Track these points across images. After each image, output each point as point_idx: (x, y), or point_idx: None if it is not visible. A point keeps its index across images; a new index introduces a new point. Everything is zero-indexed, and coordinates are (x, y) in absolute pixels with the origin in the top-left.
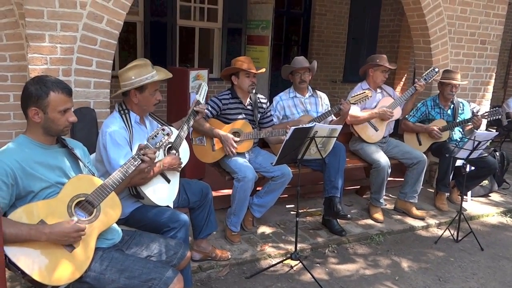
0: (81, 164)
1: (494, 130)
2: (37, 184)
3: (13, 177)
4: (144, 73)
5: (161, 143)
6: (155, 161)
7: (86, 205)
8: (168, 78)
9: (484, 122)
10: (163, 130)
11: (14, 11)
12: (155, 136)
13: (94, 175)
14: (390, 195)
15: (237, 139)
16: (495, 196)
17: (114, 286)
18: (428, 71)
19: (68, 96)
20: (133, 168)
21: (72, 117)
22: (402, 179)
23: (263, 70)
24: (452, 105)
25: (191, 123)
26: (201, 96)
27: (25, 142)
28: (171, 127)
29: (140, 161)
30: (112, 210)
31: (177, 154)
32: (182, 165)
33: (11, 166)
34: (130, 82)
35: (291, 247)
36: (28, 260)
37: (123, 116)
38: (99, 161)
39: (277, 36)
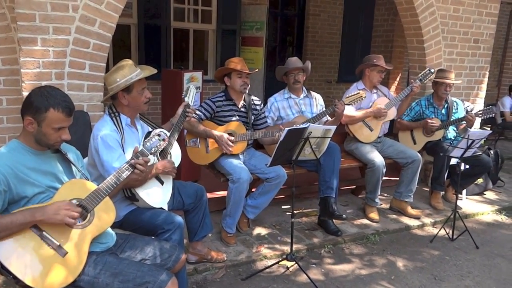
0: (74, 168)
1: (488, 129)
2: (30, 189)
3: (6, 182)
4: (129, 73)
5: (156, 148)
6: (149, 164)
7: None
8: (156, 74)
9: (478, 120)
10: (159, 135)
11: (5, 14)
12: (151, 141)
13: (87, 180)
14: (386, 194)
15: (232, 138)
16: (489, 194)
17: None
18: (423, 72)
19: (67, 116)
20: (128, 173)
21: (65, 135)
22: (397, 179)
23: (256, 70)
24: (446, 104)
25: (181, 126)
26: (189, 98)
27: (18, 147)
28: (165, 131)
29: (132, 170)
30: (106, 214)
31: (169, 157)
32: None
33: (3, 171)
34: (116, 84)
35: (286, 248)
36: (20, 264)
37: (114, 119)
38: (91, 165)
39: (272, 37)
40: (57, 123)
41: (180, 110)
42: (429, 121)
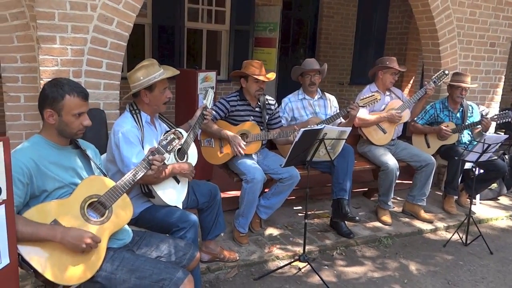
0: (93, 165)
1: (503, 133)
2: (51, 184)
3: (29, 176)
4: (152, 72)
5: (172, 146)
6: (167, 163)
7: (98, 206)
8: (175, 75)
9: (493, 125)
10: (175, 133)
11: (25, 13)
12: (167, 139)
13: (106, 176)
14: (398, 197)
15: (244, 143)
16: (504, 200)
17: (125, 286)
18: (437, 73)
19: (83, 100)
20: (144, 171)
21: (87, 120)
22: (411, 182)
23: (273, 75)
24: (461, 108)
25: (198, 128)
26: (208, 101)
27: (40, 142)
28: (181, 130)
29: (149, 167)
30: (123, 211)
31: (186, 157)
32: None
33: (27, 165)
34: (139, 82)
35: (299, 249)
36: (40, 259)
37: (135, 116)
38: (110, 161)
39: (285, 38)
40: (76, 109)
41: (198, 112)
42: (444, 128)
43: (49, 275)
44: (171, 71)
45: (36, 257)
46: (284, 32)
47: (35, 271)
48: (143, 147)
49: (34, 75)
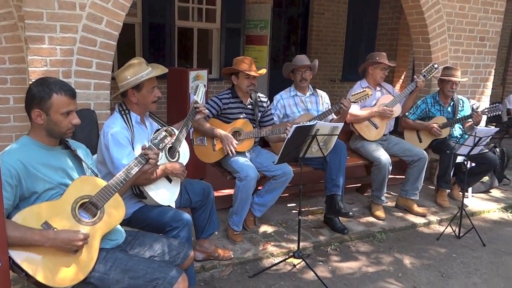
0: (84, 165)
1: (493, 127)
2: (41, 185)
3: (17, 178)
4: (139, 71)
5: (164, 144)
6: (158, 163)
7: (90, 206)
8: (164, 73)
9: (484, 118)
10: (167, 131)
11: (13, 13)
12: (158, 137)
13: (97, 176)
14: (391, 192)
15: (236, 142)
16: (495, 192)
17: (118, 286)
18: (427, 67)
19: (71, 98)
20: (136, 169)
21: (75, 119)
22: (403, 177)
23: (264, 71)
24: (452, 102)
25: (190, 125)
26: (199, 97)
27: (29, 143)
28: (173, 128)
29: (144, 162)
30: (115, 211)
31: (177, 155)
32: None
33: (15, 167)
34: (126, 82)
35: (293, 246)
36: (32, 262)
37: (124, 116)
38: (100, 162)
39: (276, 35)
40: (64, 107)
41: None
42: (435, 127)
43: (40, 278)
44: (160, 70)
45: (27, 260)
46: (275, 30)
47: (27, 274)
48: (133, 148)
49: (23, 76)
